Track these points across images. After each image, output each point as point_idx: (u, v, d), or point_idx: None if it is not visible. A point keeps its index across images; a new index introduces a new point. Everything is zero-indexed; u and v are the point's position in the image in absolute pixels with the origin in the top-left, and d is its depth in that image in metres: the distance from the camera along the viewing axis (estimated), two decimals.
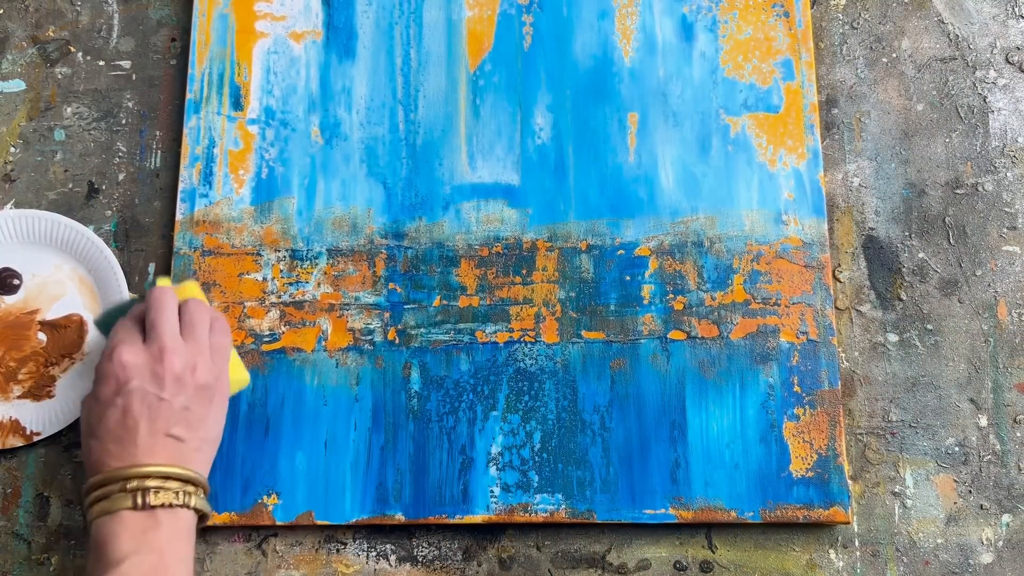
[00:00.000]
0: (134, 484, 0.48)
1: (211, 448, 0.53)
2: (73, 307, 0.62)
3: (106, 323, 0.56)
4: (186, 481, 0.50)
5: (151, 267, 0.63)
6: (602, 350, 0.59)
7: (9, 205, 0.65)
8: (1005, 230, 0.62)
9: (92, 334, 0.62)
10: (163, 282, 0.55)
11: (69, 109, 0.66)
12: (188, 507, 0.50)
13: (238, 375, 0.57)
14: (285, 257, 0.62)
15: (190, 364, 0.51)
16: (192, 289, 0.57)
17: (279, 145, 0.64)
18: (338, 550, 0.58)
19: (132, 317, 0.54)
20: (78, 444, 0.60)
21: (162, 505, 0.48)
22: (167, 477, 0.49)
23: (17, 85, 0.67)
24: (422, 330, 0.60)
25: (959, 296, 0.61)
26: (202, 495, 0.51)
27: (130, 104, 0.66)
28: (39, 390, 0.61)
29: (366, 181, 0.63)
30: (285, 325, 0.61)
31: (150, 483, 0.48)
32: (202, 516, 0.52)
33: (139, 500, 0.48)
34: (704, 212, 0.61)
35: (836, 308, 0.61)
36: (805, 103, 0.62)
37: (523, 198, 0.62)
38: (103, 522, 0.48)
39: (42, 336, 0.62)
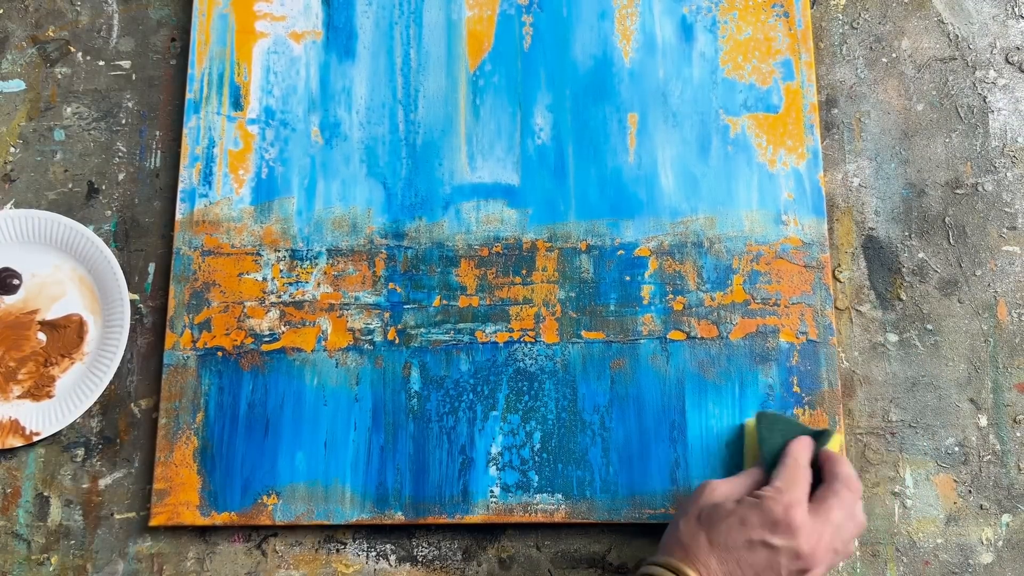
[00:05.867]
0: None
1: None
2: (73, 307, 0.62)
3: (771, 427, 0.54)
4: None
5: (151, 267, 0.63)
6: (602, 350, 0.59)
7: (9, 205, 0.65)
8: (1005, 230, 0.62)
9: (93, 333, 0.61)
10: (837, 440, 0.54)
11: (69, 109, 0.66)
12: None
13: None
14: (285, 257, 0.62)
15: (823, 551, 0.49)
16: (838, 441, 0.55)
17: (279, 145, 0.64)
18: (338, 550, 0.58)
19: (801, 467, 0.51)
20: (77, 443, 0.60)
21: None
22: None
23: (17, 85, 0.67)
24: (422, 330, 0.60)
25: (959, 296, 0.61)
26: None
27: (130, 104, 0.66)
28: (39, 390, 0.61)
29: (366, 181, 0.63)
30: (285, 325, 0.61)
31: None
32: None
33: None
34: (704, 212, 0.61)
35: (836, 308, 0.61)
36: (805, 103, 0.62)
37: (523, 198, 0.62)
38: None
39: (42, 336, 0.62)
